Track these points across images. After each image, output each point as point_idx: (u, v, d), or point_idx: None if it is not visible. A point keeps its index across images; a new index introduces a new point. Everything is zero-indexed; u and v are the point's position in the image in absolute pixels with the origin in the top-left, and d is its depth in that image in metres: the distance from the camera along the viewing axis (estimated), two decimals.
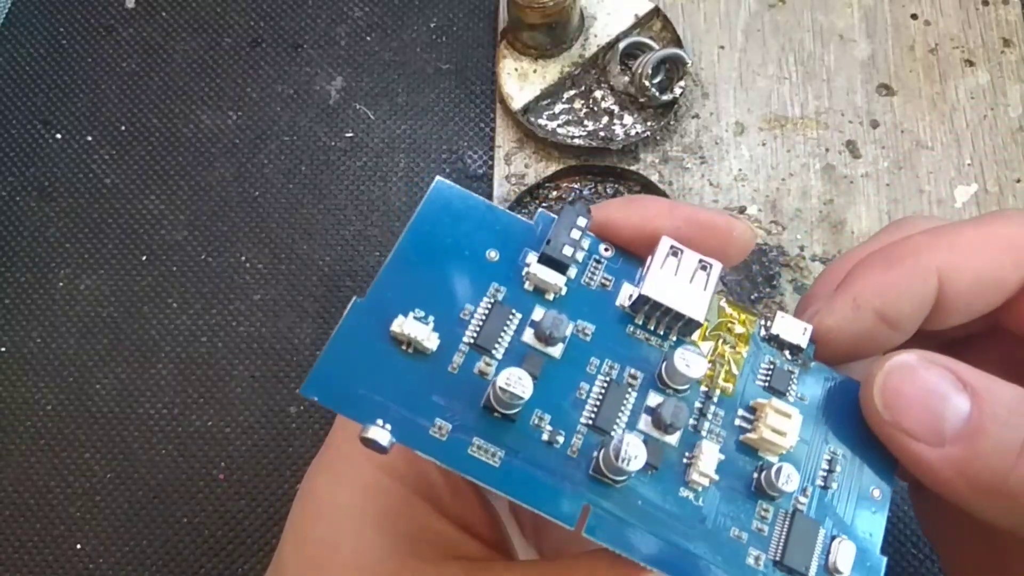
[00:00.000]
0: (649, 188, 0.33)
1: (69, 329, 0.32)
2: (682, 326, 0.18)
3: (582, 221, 0.18)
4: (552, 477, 0.16)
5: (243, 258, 0.33)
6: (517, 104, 0.33)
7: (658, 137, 0.34)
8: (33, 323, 0.32)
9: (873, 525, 0.18)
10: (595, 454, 0.16)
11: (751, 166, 0.34)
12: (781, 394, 0.18)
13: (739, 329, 0.19)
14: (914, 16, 0.36)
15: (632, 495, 0.16)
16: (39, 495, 0.30)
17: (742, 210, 0.33)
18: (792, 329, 0.18)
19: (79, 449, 0.31)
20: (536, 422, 0.17)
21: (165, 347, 0.32)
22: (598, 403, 0.17)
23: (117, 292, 0.33)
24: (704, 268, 0.17)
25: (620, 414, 0.17)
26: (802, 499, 0.17)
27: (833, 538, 0.17)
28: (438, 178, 0.18)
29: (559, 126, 0.34)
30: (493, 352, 0.17)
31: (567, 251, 0.17)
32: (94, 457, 0.31)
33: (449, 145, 0.35)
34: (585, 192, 0.33)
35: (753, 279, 0.32)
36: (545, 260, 0.18)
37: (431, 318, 0.17)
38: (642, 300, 0.17)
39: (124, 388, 0.31)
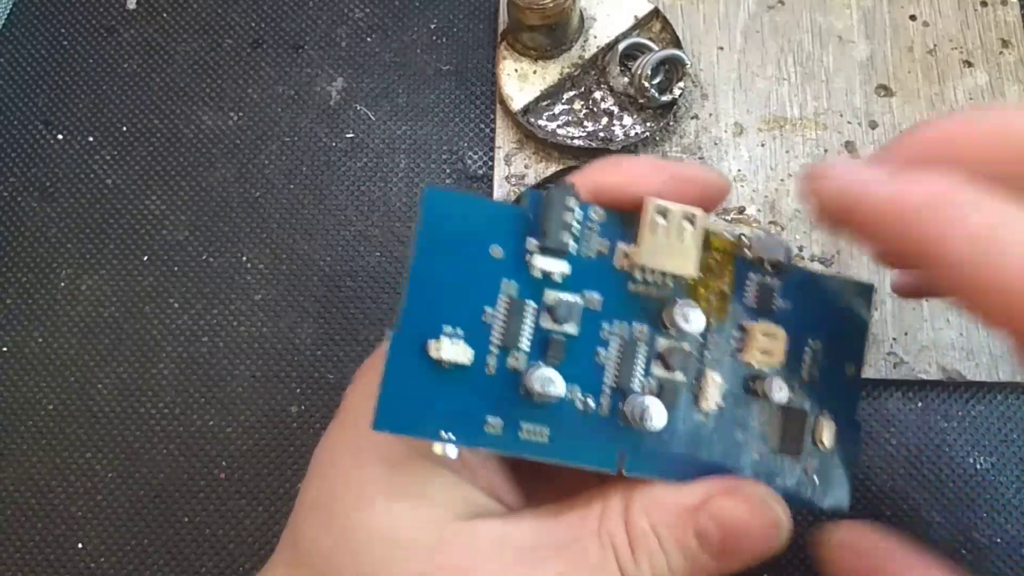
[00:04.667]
0: None
1: (70, 329, 0.32)
2: (675, 277, 0.20)
3: (571, 202, 0.19)
4: (591, 437, 0.19)
5: (244, 258, 0.33)
6: (517, 105, 0.34)
7: (657, 138, 0.34)
8: (34, 323, 0.32)
9: (849, 400, 0.21)
10: (620, 406, 0.20)
11: (750, 167, 0.34)
12: (767, 311, 0.20)
13: (724, 257, 0.21)
14: (913, 17, 0.36)
15: (657, 432, 0.20)
16: (40, 495, 0.30)
17: (741, 210, 0.33)
18: (771, 249, 0.21)
19: (80, 449, 0.31)
20: (569, 396, 0.19)
21: (166, 347, 0.32)
22: (617, 364, 0.20)
23: (118, 292, 0.33)
24: (689, 220, 0.19)
25: (635, 368, 0.20)
26: (791, 395, 0.20)
27: (817, 418, 0.20)
28: (426, 187, 0.19)
29: (559, 127, 0.34)
30: (520, 347, 0.19)
31: (563, 238, 0.19)
32: (95, 456, 0.31)
33: (449, 146, 0.35)
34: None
35: None
36: (545, 251, 0.19)
37: (459, 330, 0.19)
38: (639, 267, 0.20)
39: (125, 388, 0.32)
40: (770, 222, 0.33)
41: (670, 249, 0.19)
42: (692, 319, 0.19)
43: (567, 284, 0.19)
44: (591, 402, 0.19)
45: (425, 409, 0.18)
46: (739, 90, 0.35)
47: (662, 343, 0.20)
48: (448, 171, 0.34)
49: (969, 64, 0.35)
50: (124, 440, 0.31)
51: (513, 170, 0.34)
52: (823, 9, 0.36)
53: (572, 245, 0.19)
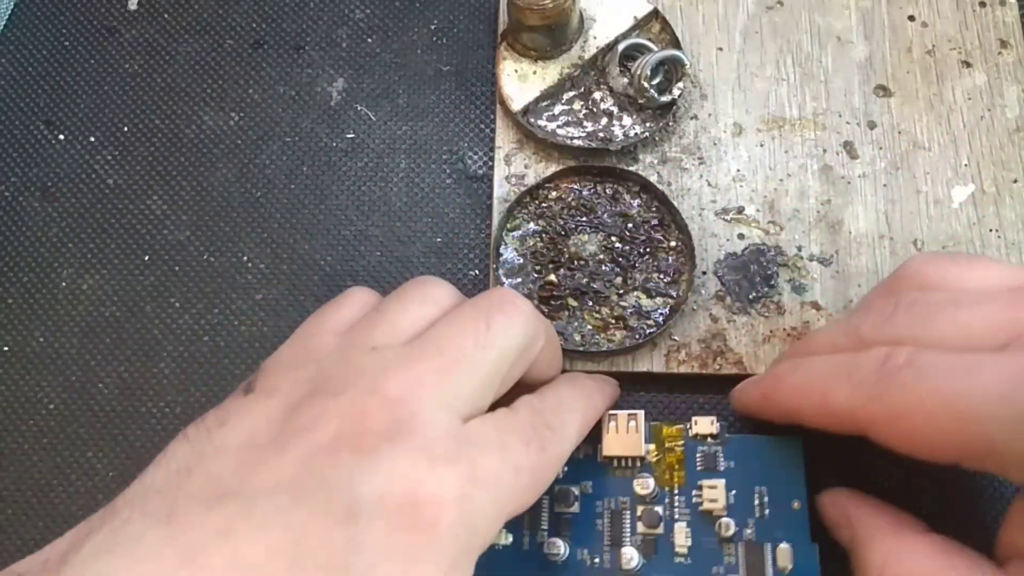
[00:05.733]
0: (648, 188, 0.33)
1: (72, 328, 0.32)
2: (636, 458, 0.28)
3: None
4: None
5: (245, 258, 0.33)
6: (517, 105, 0.34)
7: (657, 138, 0.34)
8: (36, 322, 0.32)
9: (800, 528, 0.26)
10: (618, 559, 0.26)
11: (749, 167, 0.34)
12: (712, 471, 0.27)
13: (673, 440, 0.28)
14: (911, 18, 0.36)
15: (646, 574, 0.26)
16: (41, 494, 0.30)
17: (740, 210, 0.33)
18: (705, 425, 0.28)
19: (81, 448, 0.31)
20: (580, 556, 0.27)
21: (167, 346, 0.32)
22: (609, 529, 0.27)
23: (120, 291, 0.33)
24: (632, 418, 0.28)
25: (624, 530, 0.27)
26: (748, 531, 0.26)
27: (776, 545, 0.26)
28: None
29: (559, 127, 0.34)
30: (541, 527, 0.27)
31: None
32: (96, 456, 0.31)
33: (449, 146, 0.35)
34: (584, 192, 0.33)
35: (751, 279, 0.32)
36: None
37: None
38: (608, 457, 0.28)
39: (127, 387, 0.32)
40: (769, 222, 0.33)
41: (624, 441, 0.27)
42: (649, 486, 0.27)
43: (568, 479, 0.28)
44: (596, 559, 0.27)
45: None
46: (738, 90, 0.35)
47: (640, 509, 0.27)
48: (448, 171, 0.34)
49: (968, 64, 0.35)
50: (125, 439, 0.31)
51: (513, 170, 0.34)
52: (822, 10, 0.36)
53: None
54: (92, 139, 0.35)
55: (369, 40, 0.37)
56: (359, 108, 0.36)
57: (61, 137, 0.35)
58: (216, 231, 0.34)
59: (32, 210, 0.34)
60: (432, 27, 0.37)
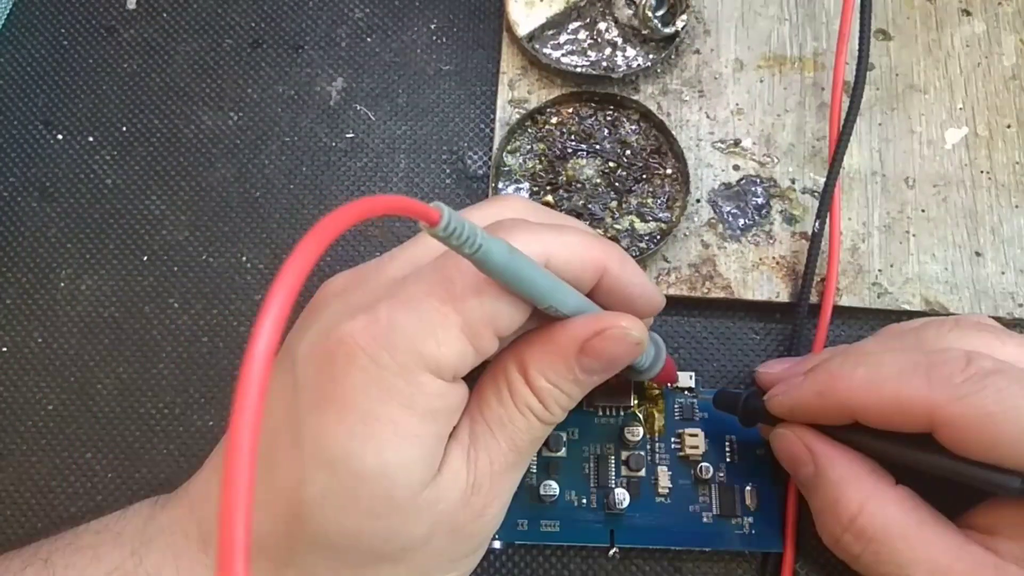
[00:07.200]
0: (647, 117, 0.34)
1: (70, 329, 0.32)
2: (623, 407, 0.30)
3: None
4: (588, 524, 0.28)
5: (244, 258, 0.33)
6: (523, 31, 0.34)
7: (659, 70, 0.35)
8: (34, 323, 0.32)
9: (764, 472, 0.29)
10: (605, 500, 0.28)
11: (748, 101, 0.34)
12: (689, 420, 0.30)
13: (655, 391, 0.30)
14: None
15: (632, 512, 0.28)
16: (40, 495, 0.30)
17: (737, 142, 0.34)
18: (684, 379, 0.30)
19: (80, 449, 0.31)
20: (568, 498, 0.29)
21: (166, 347, 0.32)
22: (595, 472, 0.29)
23: (118, 292, 0.33)
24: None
25: (609, 473, 0.29)
26: (721, 474, 0.29)
27: (744, 487, 0.29)
28: None
29: (563, 56, 0.35)
30: (531, 470, 0.29)
31: None
32: (95, 457, 0.31)
33: (449, 146, 0.35)
34: (585, 119, 0.34)
35: (744, 209, 0.33)
36: None
37: None
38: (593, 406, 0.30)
39: (125, 388, 0.32)
40: (764, 155, 0.34)
41: (614, 391, 0.29)
42: (637, 433, 0.29)
43: (556, 426, 0.27)
44: (584, 500, 0.28)
45: None
46: (741, 27, 0.36)
47: (624, 453, 0.29)
48: (448, 171, 0.34)
49: (967, 13, 0.36)
50: (124, 440, 0.31)
51: (516, 94, 0.34)
52: None
53: None
54: (91, 139, 0.35)
55: (368, 39, 0.36)
56: (358, 108, 0.35)
57: (60, 137, 0.35)
58: (215, 231, 0.34)
59: (30, 210, 0.34)
60: (432, 26, 0.37)
